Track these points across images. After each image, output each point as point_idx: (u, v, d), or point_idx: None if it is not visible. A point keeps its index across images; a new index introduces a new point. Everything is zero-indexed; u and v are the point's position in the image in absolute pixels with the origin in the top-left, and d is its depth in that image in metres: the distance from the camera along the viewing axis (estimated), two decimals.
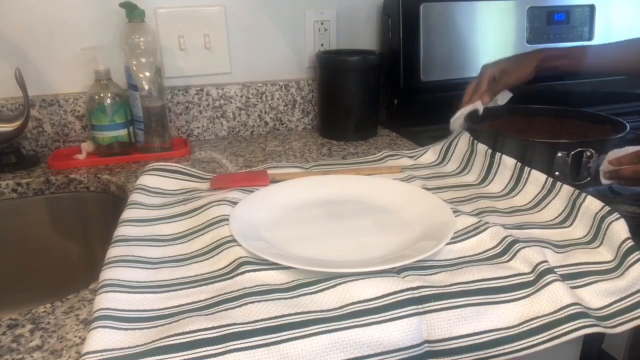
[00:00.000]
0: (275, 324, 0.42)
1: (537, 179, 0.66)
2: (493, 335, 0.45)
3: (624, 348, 0.57)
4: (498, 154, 0.71)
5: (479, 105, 0.83)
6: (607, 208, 0.56)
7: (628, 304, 0.47)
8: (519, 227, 0.59)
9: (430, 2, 0.98)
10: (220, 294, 0.47)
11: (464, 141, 0.79)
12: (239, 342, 0.41)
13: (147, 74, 0.83)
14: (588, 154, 0.68)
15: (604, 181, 0.68)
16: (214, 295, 0.47)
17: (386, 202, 0.67)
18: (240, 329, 0.42)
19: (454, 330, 0.44)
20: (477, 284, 0.48)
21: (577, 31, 1.12)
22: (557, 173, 0.69)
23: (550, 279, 0.47)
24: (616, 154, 0.67)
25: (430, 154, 0.84)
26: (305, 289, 0.47)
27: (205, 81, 0.99)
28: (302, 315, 0.43)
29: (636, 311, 0.47)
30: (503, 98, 0.86)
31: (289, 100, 1.04)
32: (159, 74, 0.85)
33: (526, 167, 0.68)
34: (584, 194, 0.59)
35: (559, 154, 0.69)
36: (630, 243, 0.51)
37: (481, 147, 0.74)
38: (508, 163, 0.70)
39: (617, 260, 0.52)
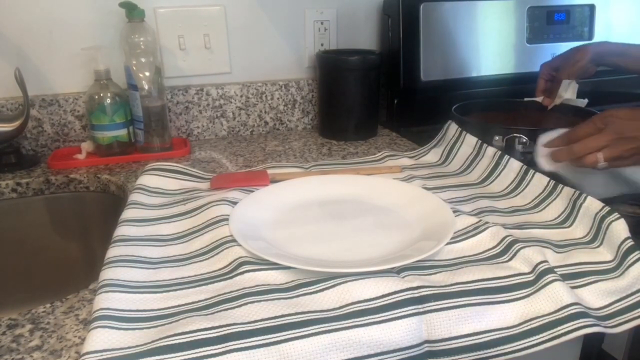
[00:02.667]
0: (275, 324, 0.42)
1: (539, 181, 0.66)
2: (493, 335, 0.45)
3: (624, 348, 0.57)
4: (506, 157, 0.71)
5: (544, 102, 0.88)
6: (607, 208, 0.56)
7: (628, 303, 0.47)
8: (519, 227, 0.59)
9: (430, 2, 0.98)
10: (220, 294, 0.47)
11: (469, 144, 0.78)
12: (239, 342, 0.41)
13: (147, 73, 0.83)
14: (524, 140, 0.73)
15: (546, 167, 0.66)
16: (214, 295, 0.47)
17: (386, 202, 0.67)
18: (240, 329, 0.42)
19: (454, 330, 0.44)
20: (477, 284, 0.48)
21: (577, 31, 1.12)
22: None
23: (550, 278, 0.47)
24: (548, 137, 0.67)
25: (431, 156, 0.84)
26: (305, 289, 0.47)
27: (205, 81, 0.99)
28: (302, 315, 0.43)
29: (636, 311, 0.47)
30: (569, 92, 0.86)
31: (289, 100, 1.04)
32: (158, 74, 0.85)
33: (531, 170, 0.67)
34: (584, 195, 0.59)
35: (496, 138, 0.74)
36: (630, 243, 0.51)
37: (490, 150, 0.74)
38: (514, 166, 0.70)
39: (617, 260, 0.52)
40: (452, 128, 0.82)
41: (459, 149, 0.80)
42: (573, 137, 0.63)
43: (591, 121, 0.61)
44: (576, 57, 0.84)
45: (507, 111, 0.92)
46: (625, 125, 0.58)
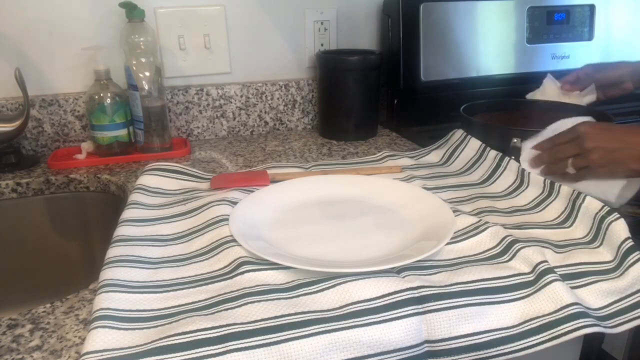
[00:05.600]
0: (275, 324, 0.43)
1: (538, 182, 0.66)
2: (493, 335, 0.45)
3: (624, 348, 0.57)
4: (506, 159, 0.71)
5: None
6: (607, 208, 0.56)
7: (628, 304, 0.47)
8: (519, 227, 0.59)
9: (430, 2, 0.98)
10: (220, 293, 0.47)
11: (472, 147, 0.78)
12: (239, 342, 0.41)
13: (147, 73, 0.83)
14: None
15: (528, 170, 0.68)
16: (214, 295, 0.47)
17: (386, 202, 0.67)
18: (240, 329, 0.42)
19: (454, 330, 0.44)
20: (477, 284, 0.48)
21: (577, 31, 1.12)
22: (512, 157, 0.71)
23: (550, 278, 0.47)
24: (535, 141, 0.69)
25: (432, 156, 0.84)
26: (305, 289, 0.47)
27: (205, 81, 0.99)
28: (302, 315, 0.43)
29: (636, 311, 0.47)
30: (587, 98, 0.87)
31: (289, 100, 1.04)
32: (159, 74, 0.85)
33: (526, 171, 0.68)
34: (583, 195, 0.59)
35: (514, 140, 0.72)
36: (630, 243, 0.51)
37: (492, 153, 0.74)
38: (513, 167, 0.70)
39: (617, 260, 0.52)
40: (457, 134, 0.82)
41: (461, 151, 0.80)
42: (554, 142, 0.66)
43: (570, 130, 0.63)
44: (616, 72, 0.83)
45: (506, 111, 0.92)
46: (597, 136, 0.60)
